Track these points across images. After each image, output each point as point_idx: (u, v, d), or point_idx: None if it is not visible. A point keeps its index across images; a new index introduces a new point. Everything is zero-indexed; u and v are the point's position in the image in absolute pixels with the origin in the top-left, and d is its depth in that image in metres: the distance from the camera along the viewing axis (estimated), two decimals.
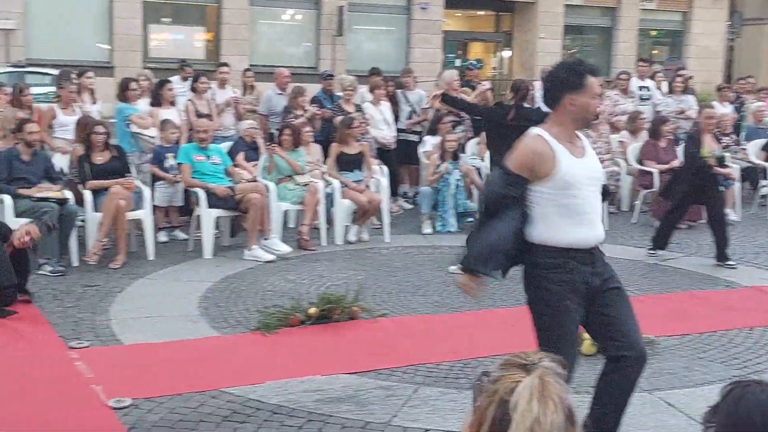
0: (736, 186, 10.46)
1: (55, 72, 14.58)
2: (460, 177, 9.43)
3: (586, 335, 5.39)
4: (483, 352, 5.41)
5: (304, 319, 5.92)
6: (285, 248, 8.04)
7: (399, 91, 11.14)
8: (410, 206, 10.80)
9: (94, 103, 9.72)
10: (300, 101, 10.00)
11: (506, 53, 25.49)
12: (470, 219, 9.62)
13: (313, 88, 11.10)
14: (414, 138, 10.82)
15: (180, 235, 8.71)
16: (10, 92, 8.65)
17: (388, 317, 6.24)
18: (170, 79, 9.98)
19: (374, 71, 11.66)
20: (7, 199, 7.32)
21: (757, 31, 32.75)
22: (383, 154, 10.24)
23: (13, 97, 8.66)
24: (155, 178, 8.54)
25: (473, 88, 11.13)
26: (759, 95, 13.08)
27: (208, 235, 7.98)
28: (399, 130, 10.77)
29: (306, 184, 8.62)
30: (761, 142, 11.22)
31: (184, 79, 10.52)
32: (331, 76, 11.46)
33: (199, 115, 9.29)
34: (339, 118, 9.73)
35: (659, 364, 5.33)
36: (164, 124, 8.77)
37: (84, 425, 4.34)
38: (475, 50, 25.80)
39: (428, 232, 9.32)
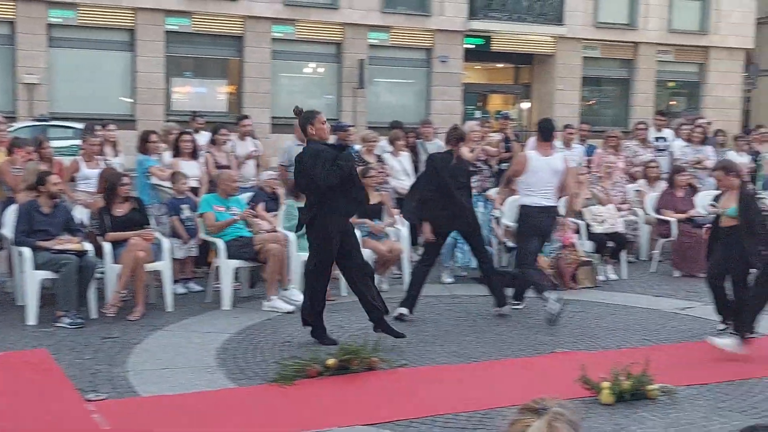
0: None
1: (79, 125, 14.87)
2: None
3: (605, 384, 5.39)
4: (502, 402, 5.37)
5: (323, 370, 5.92)
6: None
7: (419, 141, 11.26)
8: None
9: (116, 155, 9.87)
10: None
11: (525, 105, 25.69)
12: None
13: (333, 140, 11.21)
14: None
15: (194, 287, 8.76)
16: (31, 149, 8.74)
17: (407, 367, 6.23)
18: (189, 130, 10.14)
19: (395, 124, 11.82)
20: (27, 251, 7.42)
21: None
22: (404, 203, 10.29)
23: (33, 150, 8.79)
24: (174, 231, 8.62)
25: (508, 139, 11.33)
26: None
27: (226, 286, 8.02)
28: None
29: None
30: None
31: (196, 130, 10.69)
32: (350, 126, 11.58)
33: (219, 167, 9.41)
34: (358, 169, 9.82)
35: (677, 414, 5.28)
36: (175, 176, 8.87)
37: None
38: (495, 102, 26.03)
39: (449, 281, 9.32)
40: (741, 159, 12.09)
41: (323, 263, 6.80)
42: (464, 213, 7.71)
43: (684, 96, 27.10)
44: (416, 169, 10.88)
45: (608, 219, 9.89)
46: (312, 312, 6.80)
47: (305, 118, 6.75)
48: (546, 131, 8.04)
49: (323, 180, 6.46)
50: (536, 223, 7.69)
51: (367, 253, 8.76)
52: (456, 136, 7.96)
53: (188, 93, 21.66)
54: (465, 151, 10.16)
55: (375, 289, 6.95)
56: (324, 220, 6.60)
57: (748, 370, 6.20)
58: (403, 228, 9.33)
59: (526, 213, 7.74)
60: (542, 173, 7.74)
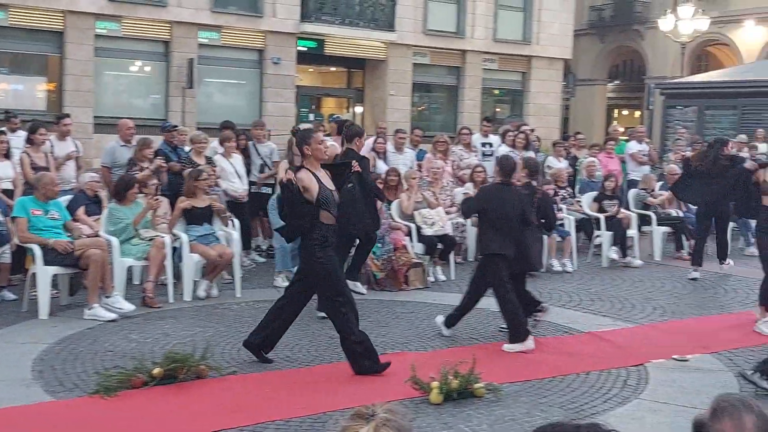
0: (572, 236, 11.01)
1: None
2: None
3: (435, 384, 5.50)
4: (333, 406, 5.38)
5: (148, 380, 5.71)
6: (128, 306, 7.75)
7: (251, 143, 11.09)
8: (263, 260, 10.69)
9: None
10: (145, 153, 9.74)
11: (358, 109, 25.97)
12: None
13: (161, 140, 10.83)
14: (267, 191, 10.76)
15: (8, 295, 8.21)
16: None
17: (238, 374, 6.11)
18: (3, 129, 9.52)
19: (226, 124, 11.58)
20: None
21: (589, 90, 35.05)
22: (235, 206, 10.10)
23: None
24: None
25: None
26: (591, 151, 13.86)
27: (44, 294, 7.58)
28: (251, 183, 10.68)
29: (151, 239, 8.38)
30: (593, 194, 11.88)
31: (12, 130, 10.09)
32: (175, 127, 11.22)
33: (36, 168, 8.89)
34: (187, 171, 9.55)
35: (502, 410, 5.47)
36: None
37: None
38: (328, 105, 26.13)
39: (285, 285, 9.18)
40: (560, 164, 12.78)
41: (338, 292, 6.29)
42: (355, 217, 7.76)
43: (508, 103, 28.24)
44: (248, 171, 10.72)
45: (437, 221, 10.14)
46: (350, 339, 6.21)
47: (301, 138, 6.45)
48: (339, 128, 9.33)
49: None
50: None
51: (195, 258, 8.57)
52: (352, 134, 8.05)
53: (3, 90, 20.35)
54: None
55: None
56: (319, 255, 6.21)
57: (568, 365, 6.51)
58: (234, 232, 9.16)
59: None
60: None
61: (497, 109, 27.60)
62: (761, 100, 19.34)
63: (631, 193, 12.55)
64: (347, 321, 6.15)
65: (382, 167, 11.21)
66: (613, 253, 11.21)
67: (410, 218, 10.09)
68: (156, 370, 5.74)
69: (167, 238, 8.45)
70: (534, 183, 7.76)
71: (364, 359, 6.13)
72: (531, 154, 12.77)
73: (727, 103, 19.86)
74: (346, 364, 6.44)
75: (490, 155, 12.81)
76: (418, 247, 9.75)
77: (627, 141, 15.03)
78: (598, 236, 11.50)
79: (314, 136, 6.38)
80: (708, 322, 8.16)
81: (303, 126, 11.45)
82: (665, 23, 25.77)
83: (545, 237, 9.49)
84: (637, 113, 36.05)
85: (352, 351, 6.16)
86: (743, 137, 15.94)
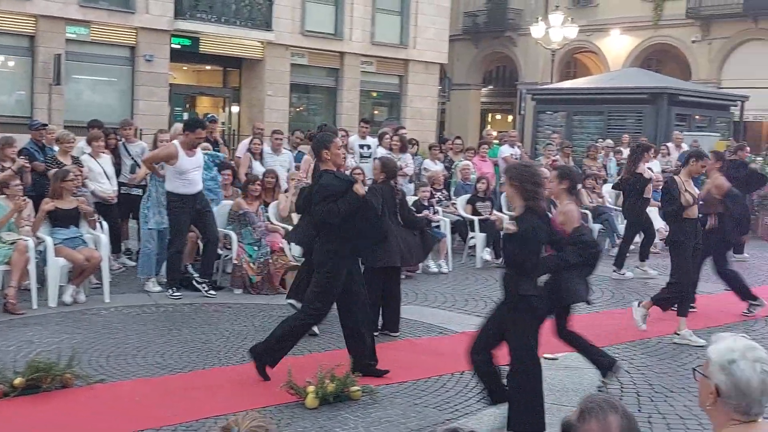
0: (447, 238, 11.19)
1: None
2: None
3: (311, 388, 5.46)
4: (207, 413, 5.27)
5: (8, 391, 5.46)
6: None
7: (121, 143, 10.72)
8: (133, 263, 10.35)
9: None
10: (8, 153, 9.26)
11: (235, 108, 25.60)
12: None
13: (27, 139, 10.34)
14: (138, 192, 10.41)
15: None
16: None
17: (106, 383, 5.89)
18: None
19: (94, 123, 11.17)
20: None
21: (464, 95, 35.84)
22: (104, 208, 9.74)
23: None
24: None
25: (212, 142, 10.98)
26: (466, 154, 14.14)
27: None
28: (121, 184, 10.32)
29: (13, 242, 7.97)
30: (468, 196, 12.11)
31: None
32: (45, 126, 10.73)
33: None
34: (53, 171, 9.14)
35: (378, 413, 5.48)
36: None
37: None
38: (204, 104, 25.63)
39: (156, 290, 8.92)
40: (436, 167, 12.99)
41: (325, 304, 6.15)
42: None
43: (386, 106, 28.54)
44: (118, 171, 10.36)
45: None
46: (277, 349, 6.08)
47: (320, 142, 6.24)
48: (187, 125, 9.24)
49: (320, 217, 6.03)
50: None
51: (61, 262, 8.21)
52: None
53: None
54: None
55: (368, 339, 6.32)
56: (333, 258, 6.01)
57: (442, 366, 6.59)
58: (102, 234, 8.83)
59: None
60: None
61: (375, 112, 27.82)
62: (626, 106, 20.30)
63: (504, 195, 12.86)
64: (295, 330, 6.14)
65: (258, 168, 11.06)
66: (487, 254, 11.46)
67: (287, 220, 10.01)
68: (17, 380, 5.48)
69: (30, 242, 8.06)
70: (393, 183, 7.87)
71: (262, 364, 6.08)
72: (408, 156, 12.95)
73: (594, 109, 20.72)
74: (220, 369, 6.33)
75: (368, 157, 12.88)
76: (296, 250, 9.66)
77: (500, 145, 15.41)
78: (472, 238, 11.73)
79: (334, 140, 6.28)
80: (577, 320, 8.43)
81: (176, 126, 11.16)
82: (536, 30, 26.64)
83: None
84: (510, 118, 37.14)
85: (263, 354, 6.09)
86: (609, 142, 16.67)
